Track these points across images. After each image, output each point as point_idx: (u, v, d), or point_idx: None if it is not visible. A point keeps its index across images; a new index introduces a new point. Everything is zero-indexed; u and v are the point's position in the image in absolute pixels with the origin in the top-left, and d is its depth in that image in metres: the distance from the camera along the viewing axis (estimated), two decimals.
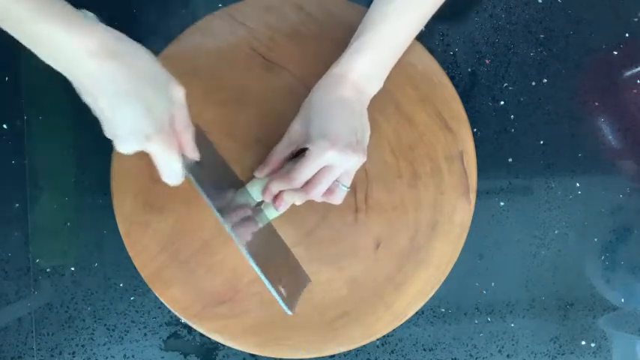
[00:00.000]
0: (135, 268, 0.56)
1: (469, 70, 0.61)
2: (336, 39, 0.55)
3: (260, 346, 0.57)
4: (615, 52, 0.61)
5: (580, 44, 0.61)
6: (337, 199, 0.53)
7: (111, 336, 0.60)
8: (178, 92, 0.45)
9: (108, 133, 0.44)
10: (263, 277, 0.46)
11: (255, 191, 0.54)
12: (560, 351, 0.62)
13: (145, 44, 0.44)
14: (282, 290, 0.48)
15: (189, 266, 0.56)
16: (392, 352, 0.61)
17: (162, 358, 0.60)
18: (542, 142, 0.61)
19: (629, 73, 0.62)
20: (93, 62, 0.41)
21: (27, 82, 0.59)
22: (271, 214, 0.54)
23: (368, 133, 0.53)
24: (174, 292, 0.56)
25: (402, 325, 0.57)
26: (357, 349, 0.60)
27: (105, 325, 0.60)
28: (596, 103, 0.61)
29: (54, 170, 0.59)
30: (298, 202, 0.52)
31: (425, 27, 0.60)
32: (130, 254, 0.56)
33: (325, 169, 0.50)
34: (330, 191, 0.52)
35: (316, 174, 0.50)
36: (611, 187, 0.62)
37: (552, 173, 0.61)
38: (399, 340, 0.61)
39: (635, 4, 0.61)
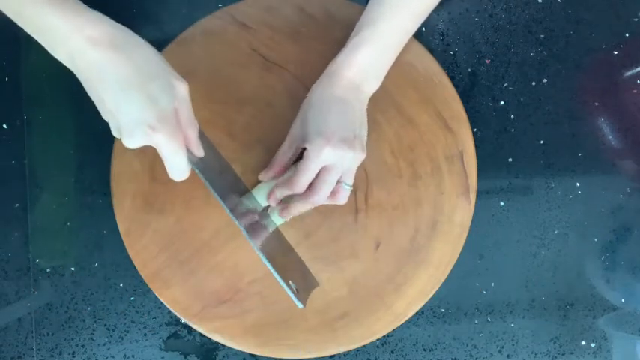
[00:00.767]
0: (135, 268, 0.56)
1: (469, 70, 0.61)
2: (336, 39, 0.55)
3: (260, 346, 0.57)
4: (615, 52, 0.61)
5: (580, 44, 0.61)
6: (342, 199, 0.52)
7: (111, 336, 0.60)
8: (182, 87, 0.45)
9: (113, 129, 0.44)
10: (279, 278, 0.47)
11: (260, 196, 0.54)
12: (560, 351, 0.62)
13: None
14: (293, 286, 0.49)
15: (189, 266, 0.56)
16: (392, 352, 0.61)
17: (162, 358, 0.60)
18: (542, 142, 0.61)
19: (629, 73, 0.62)
20: (95, 52, 0.41)
21: (27, 82, 0.59)
22: (278, 219, 0.55)
23: (366, 130, 0.53)
24: (174, 292, 0.56)
25: (402, 325, 0.57)
26: (357, 349, 0.60)
27: (105, 325, 0.60)
28: (596, 103, 0.61)
29: (54, 170, 0.59)
30: (305, 210, 0.53)
31: (425, 27, 0.60)
32: (130, 254, 0.56)
33: (325, 170, 0.50)
34: (333, 193, 0.52)
35: (316, 178, 0.50)
36: (611, 187, 0.61)
37: (552, 173, 0.61)
38: (399, 340, 0.61)
39: (635, 4, 0.61)
